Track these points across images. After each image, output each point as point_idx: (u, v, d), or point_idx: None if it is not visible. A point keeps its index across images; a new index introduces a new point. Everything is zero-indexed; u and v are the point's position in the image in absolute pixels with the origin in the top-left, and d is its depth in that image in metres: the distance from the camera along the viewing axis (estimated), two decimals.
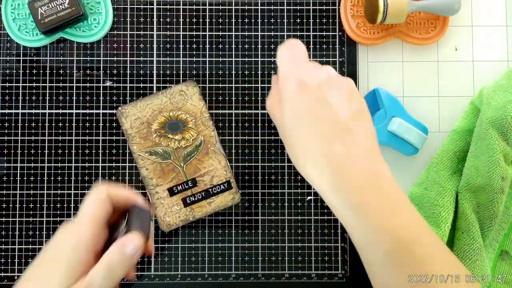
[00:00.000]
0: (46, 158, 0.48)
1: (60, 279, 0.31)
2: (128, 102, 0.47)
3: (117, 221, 0.35)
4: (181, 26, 0.49)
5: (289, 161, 0.48)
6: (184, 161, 0.42)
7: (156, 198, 0.43)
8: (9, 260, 0.47)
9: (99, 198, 0.33)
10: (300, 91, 0.36)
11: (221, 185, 0.43)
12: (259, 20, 0.49)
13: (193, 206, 0.44)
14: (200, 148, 0.42)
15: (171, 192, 0.43)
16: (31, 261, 0.47)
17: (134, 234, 0.32)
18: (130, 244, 0.32)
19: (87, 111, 0.48)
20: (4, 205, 0.48)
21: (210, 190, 0.43)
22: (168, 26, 0.49)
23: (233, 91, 0.49)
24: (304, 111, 0.35)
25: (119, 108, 0.39)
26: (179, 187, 0.43)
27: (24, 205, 0.48)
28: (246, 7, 0.49)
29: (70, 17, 0.46)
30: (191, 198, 0.44)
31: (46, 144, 0.48)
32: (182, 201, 0.44)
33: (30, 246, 0.47)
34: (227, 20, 0.49)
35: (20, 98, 0.48)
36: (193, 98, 0.40)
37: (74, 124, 0.48)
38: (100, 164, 0.48)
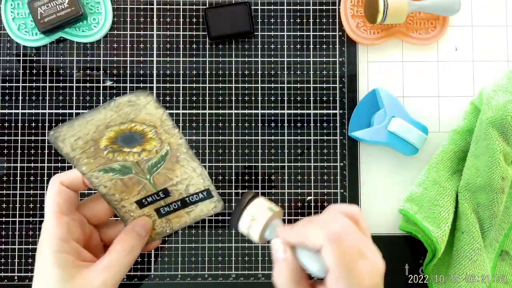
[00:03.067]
0: (46, 158, 0.48)
1: (56, 277, 0.32)
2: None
3: None
4: (181, 26, 0.49)
5: (289, 161, 0.48)
6: (150, 172, 0.36)
7: (124, 211, 0.37)
8: (9, 260, 0.47)
9: (54, 190, 0.34)
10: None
11: (200, 193, 0.38)
12: (259, 20, 0.49)
13: (169, 216, 0.38)
14: (167, 158, 0.36)
15: (140, 204, 0.37)
16: (31, 261, 0.47)
17: (142, 218, 0.37)
18: (139, 224, 0.36)
19: (87, 111, 0.48)
20: (4, 205, 0.48)
21: (186, 199, 0.38)
22: (168, 26, 0.49)
23: (233, 91, 0.49)
24: None
25: (51, 132, 0.31)
26: (149, 199, 0.37)
27: (24, 205, 0.48)
28: None
29: (70, 17, 0.46)
30: (165, 208, 0.38)
31: (46, 144, 0.48)
32: (156, 212, 0.38)
33: (30, 246, 0.47)
34: None
35: (20, 98, 0.48)
36: (148, 107, 0.33)
37: None
38: None
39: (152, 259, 0.48)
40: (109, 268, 0.33)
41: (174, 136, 0.35)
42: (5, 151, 0.48)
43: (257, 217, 0.34)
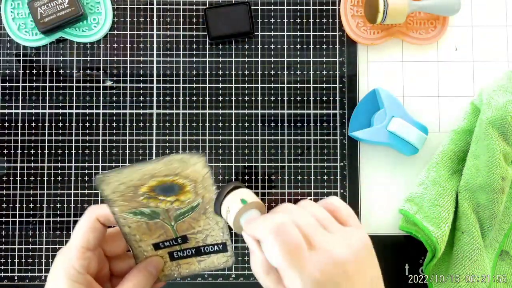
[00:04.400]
0: (46, 158, 0.48)
1: None
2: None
3: None
4: (181, 26, 0.49)
5: (289, 161, 0.48)
6: (176, 220, 0.36)
7: (139, 250, 0.37)
8: (9, 260, 0.47)
9: (88, 224, 0.34)
10: None
11: (216, 246, 0.38)
12: (259, 20, 0.49)
13: (180, 261, 0.38)
14: (197, 209, 0.36)
15: (157, 246, 0.37)
16: (31, 261, 0.47)
17: (155, 258, 0.37)
18: (152, 264, 0.36)
19: (87, 111, 0.48)
20: (4, 205, 0.48)
21: (202, 248, 0.38)
22: (168, 26, 0.49)
23: (233, 91, 0.49)
24: None
25: (99, 176, 0.32)
26: (167, 243, 0.37)
27: (24, 205, 0.48)
28: None
29: (70, 17, 0.46)
30: (179, 253, 0.38)
31: (46, 144, 0.48)
32: (169, 255, 0.38)
33: (30, 246, 0.47)
34: None
35: (20, 98, 0.48)
36: (196, 165, 0.33)
37: (74, 124, 0.48)
38: (100, 164, 0.48)
39: None
40: None
41: (210, 192, 0.35)
42: (5, 151, 0.48)
43: (231, 209, 0.34)
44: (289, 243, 0.30)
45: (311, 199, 0.48)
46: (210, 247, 0.37)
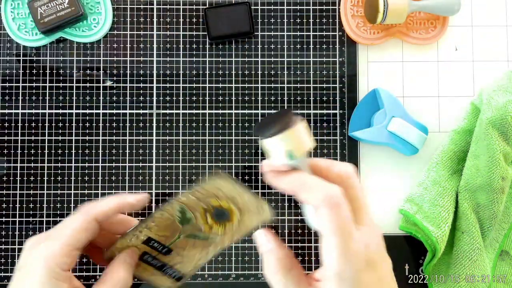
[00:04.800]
0: (46, 158, 0.48)
1: None
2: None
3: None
4: (181, 26, 0.49)
5: None
6: (186, 236, 0.36)
7: (132, 235, 0.35)
8: (9, 260, 0.47)
9: (82, 224, 0.32)
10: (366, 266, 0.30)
11: (176, 273, 0.37)
12: (259, 20, 0.49)
13: (143, 264, 0.36)
14: (209, 241, 0.36)
15: (147, 241, 0.36)
16: None
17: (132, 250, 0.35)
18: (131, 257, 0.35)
19: (87, 111, 0.48)
20: (4, 205, 0.48)
21: (167, 267, 0.37)
22: (168, 26, 0.49)
23: (233, 91, 0.49)
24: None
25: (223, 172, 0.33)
26: (156, 244, 0.36)
27: (24, 205, 0.48)
28: None
29: (70, 17, 0.46)
30: (149, 258, 0.36)
31: (46, 144, 0.48)
32: (143, 253, 0.36)
33: None
34: None
35: (20, 98, 0.48)
36: (264, 214, 0.35)
37: (74, 124, 0.48)
38: (100, 164, 0.48)
39: None
40: None
41: (230, 240, 0.35)
42: (5, 151, 0.48)
43: (272, 156, 0.30)
44: (342, 215, 0.29)
45: None
46: (172, 270, 0.37)
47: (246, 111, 0.49)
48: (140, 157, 0.48)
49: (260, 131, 0.30)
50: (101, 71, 0.49)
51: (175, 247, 0.36)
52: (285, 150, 0.29)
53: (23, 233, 0.47)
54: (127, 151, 0.48)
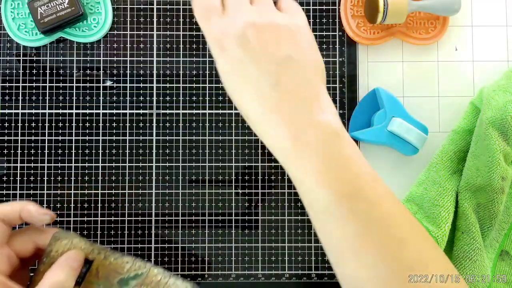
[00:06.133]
0: (46, 158, 0.48)
1: None
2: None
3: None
4: (181, 26, 0.49)
5: None
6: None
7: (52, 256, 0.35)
8: None
9: None
10: (221, 52, 0.34)
11: None
12: None
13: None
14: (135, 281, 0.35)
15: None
16: None
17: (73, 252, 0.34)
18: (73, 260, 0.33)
19: (87, 111, 0.48)
20: None
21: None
22: (168, 26, 0.49)
23: None
24: (228, 74, 0.34)
25: None
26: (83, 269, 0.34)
27: None
28: None
29: (70, 17, 0.46)
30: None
31: (46, 144, 0.48)
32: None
33: None
34: None
35: (20, 98, 0.48)
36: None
37: (74, 124, 0.48)
38: (100, 164, 0.48)
39: (152, 259, 0.48)
40: None
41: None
42: (5, 151, 0.48)
43: None
44: (202, 6, 0.35)
45: None
46: None
47: None
48: (140, 157, 0.48)
49: None
50: (101, 71, 0.49)
51: (104, 269, 0.35)
52: None
53: None
54: (127, 151, 0.48)
